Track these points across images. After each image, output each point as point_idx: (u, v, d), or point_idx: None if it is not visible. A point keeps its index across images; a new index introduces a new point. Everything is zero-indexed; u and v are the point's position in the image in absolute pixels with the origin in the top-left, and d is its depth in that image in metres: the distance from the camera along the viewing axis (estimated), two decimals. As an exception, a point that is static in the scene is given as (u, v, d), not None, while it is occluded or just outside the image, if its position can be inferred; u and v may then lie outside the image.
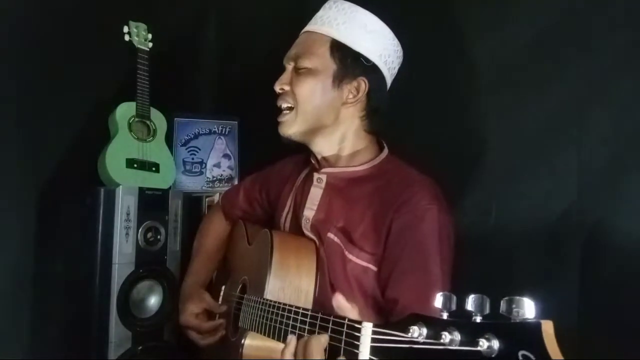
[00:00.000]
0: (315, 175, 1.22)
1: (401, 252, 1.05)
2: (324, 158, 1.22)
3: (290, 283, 1.10)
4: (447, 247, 1.07)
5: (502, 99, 1.44)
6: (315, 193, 1.20)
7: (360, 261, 1.10)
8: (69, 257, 1.71)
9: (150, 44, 1.85)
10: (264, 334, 1.01)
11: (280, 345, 1.01)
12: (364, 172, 1.18)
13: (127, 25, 1.83)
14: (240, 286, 1.28)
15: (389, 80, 1.22)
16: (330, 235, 1.14)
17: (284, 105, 1.19)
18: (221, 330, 1.28)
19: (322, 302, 1.09)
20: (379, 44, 1.18)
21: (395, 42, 1.21)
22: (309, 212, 1.19)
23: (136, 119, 1.82)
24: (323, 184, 1.20)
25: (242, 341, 1.11)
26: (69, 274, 1.69)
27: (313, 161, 1.25)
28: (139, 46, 1.83)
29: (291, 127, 1.18)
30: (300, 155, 1.35)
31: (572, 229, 1.29)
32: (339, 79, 1.15)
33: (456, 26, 1.55)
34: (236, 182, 2.05)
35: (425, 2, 1.62)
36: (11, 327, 1.72)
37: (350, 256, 1.11)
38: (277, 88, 1.19)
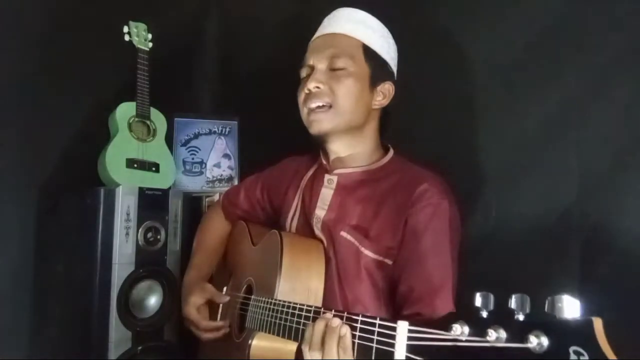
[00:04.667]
0: (327, 177, 1.23)
1: (416, 244, 1.09)
2: (337, 159, 1.23)
3: (301, 284, 1.10)
4: (456, 239, 1.12)
5: (501, 99, 1.44)
6: (326, 194, 1.22)
7: (376, 256, 1.12)
8: (69, 257, 1.70)
9: (150, 44, 1.86)
10: (277, 334, 1.01)
11: (289, 346, 1.02)
12: (375, 172, 1.21)
13: (127, 25, 1.83)
14: (245, 287, 1.27)
15: None
16: (344, 233, 1.15)
17: (320, 103, 1.17)
18: (223, 329, 1.27)
19: (327, 303, 1.10)
20: (393, 53, 1.26)
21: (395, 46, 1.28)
22: (321, 212, 1.20)
23: (136, 119, 1.82)
24: (334, 185, 1.22)
25: (250, 341, 1.11)
26: (69, 274, 1.69)
27: (324, 162, 1.27)
28: (139, 46, 1.83)
29: (329, 124, 1.18)
30: (303, 155, 1.36)
31: (572, 229, 1.29)
32: (373, 82, 1.20)
33: (455, 26, 1.55)
34: (236, 182, 2.05)
35: (425, 3, 1.62)
36: (11, 327, 1.72)
37: (366, 252, 1.12)
38: (312, 86, 1.18)
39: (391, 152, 1.26)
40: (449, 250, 1.09)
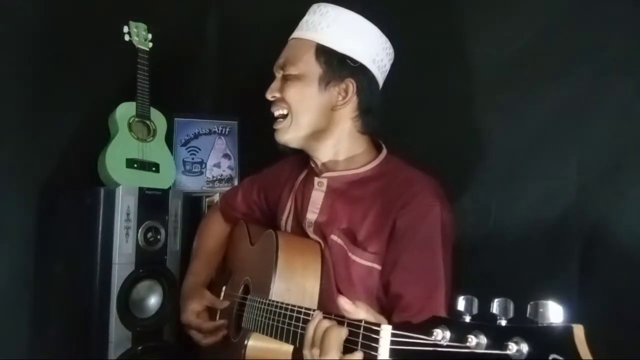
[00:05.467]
0: (316, 180, 1.22)
1: (404, 248, 1.06)
2: (323, 164, 1.22)
3: (296, 284, 1.09)
4: (448, 244, 1.08)
5: (502, 99, 1.44)
6: (317, 196, 1.20)
7: (364, 261, 1.10)
8: (69, 257, 1.70)
9: (150, 44, 1.85)
10: (271, 335, 1.01)
11: (285, 346, 1.01)
12: (365, 174, 1.18)
13: (127, 25, 1.83)
14: (242, 287, 1.27)
15: (380, 79, 1.21)
16: (334, 237, 1.14)
17: (278, 113, 1.20)
18: (223, 330, 1.27)
19: (324, 304, 1.09)
20: (365, 43, 1.17)
21: (383, 39, 1.20)
22: (312, 215, 1.20)
23: (136, 119, 1.82)
24: (324, 188, 1.20)
25: (245, 342, 1.11)
26: (69, 274, 1.69)
27: (313, 165, 1.25)
28: (139, 46, 1.83)
29: (287, 134, 1.19)
30: (298, 156, 1.34)
31: (572, 229, 1.29)
32: (326, 82, 1.15)
33: (456, 26, 1.55)
34: (236, 182, 2.05)
35: (426, 3, 1.62)
36: (11, 327, 1.72)
37: (354, 257, 1.11)
38: (269, 96, 1.20)
39: (384, 153, 1.22)
40: (440, 256, 1.05)
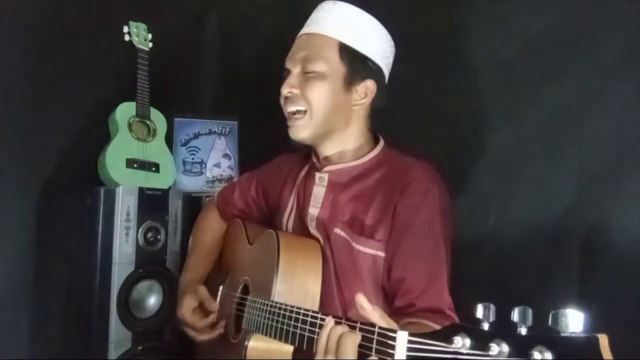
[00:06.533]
0: (317, 175, 1.22)
1: (405, 233, 1.08)
2: (325, 157, 1.22)
3: (298, 285, 1.09)
4: (448, 226, 1.10)
5: (502, 99, 1.44)
6: (318, 191, 1.21)
7: (368, 250, 1.11)
8: (69, 257, 1.70)
9: (150, 44, 1.86)
10: (272, 337, 1.00)
11: (286, 347, 1.01)
12: (365, 166, 1.20)
13: (127, 25, 1.83)
14: (241, 287, 1.27)
15: (387, 76, 1.23)
16: (337, 230, 1.15)
17: (295, 109, 1.17)
18: (219, 327, 1.27)
19: (323, 304, 1.09)
20: (380, 45, 1.20)
21: (389, 37, 1.22)
22: (314, 210, 1.20)
23: (136, 119, 1.82)
24: (325, 182, 1.21)
25: (246, 343, 1.10)
26: (69, 274, 1.69)
27: (314, 160, 1.26)
28: (139, 46, 1.83)
29: (304, 131, 1.17)
30: (298, 153, 1.35)
31: (572, 229, 1.29)
32: (349, 82, 1.16)
33: (456, 26, 1.55)
34: (236, 182, 2.05)
35: (426, 2, 1.62)
36: (11, 327, 1.72)
37: (358, 247, 1.11)
38: (286, 91, 1.17)
39: (381, 144, 1.24)
40: (440, 238, 1.07)
